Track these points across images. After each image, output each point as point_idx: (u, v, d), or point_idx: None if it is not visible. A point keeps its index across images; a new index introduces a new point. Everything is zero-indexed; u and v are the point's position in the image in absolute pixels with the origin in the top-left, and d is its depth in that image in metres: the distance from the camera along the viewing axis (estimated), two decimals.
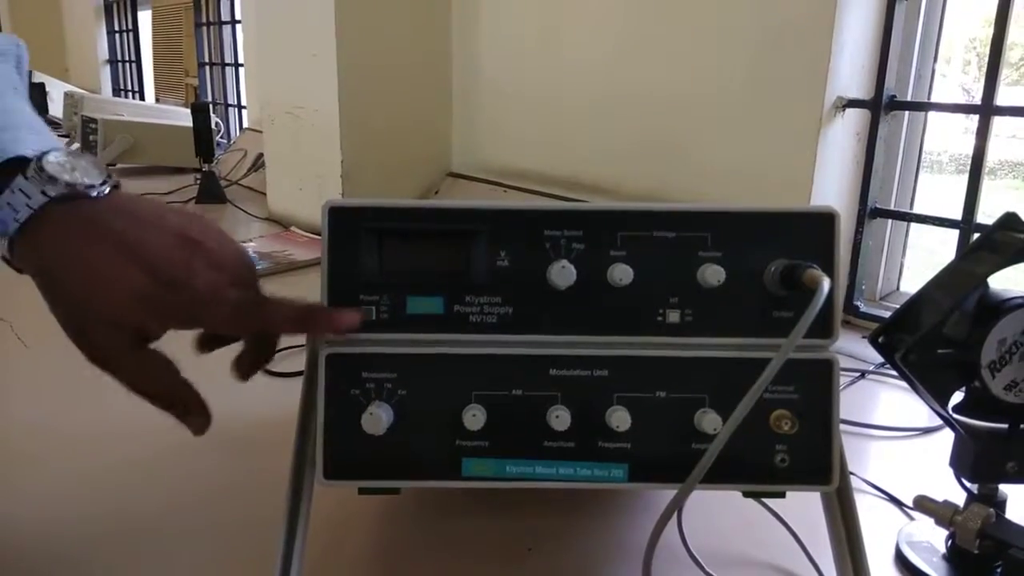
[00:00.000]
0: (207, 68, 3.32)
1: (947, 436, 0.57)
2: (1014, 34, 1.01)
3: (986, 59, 1.02)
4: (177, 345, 0.49)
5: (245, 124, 2.88)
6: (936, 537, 0.60)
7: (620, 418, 0.46)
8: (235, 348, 0.52)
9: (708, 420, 0.46)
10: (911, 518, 0.65)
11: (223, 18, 3.19)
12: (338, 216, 0.47)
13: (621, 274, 0.46)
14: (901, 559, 0.59)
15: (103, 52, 4.26)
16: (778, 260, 0.47)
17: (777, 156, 1.17)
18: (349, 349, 0.47)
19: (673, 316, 0.48)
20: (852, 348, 1.03)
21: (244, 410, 0.81)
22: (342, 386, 0.47)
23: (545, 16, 1.51)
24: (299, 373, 0.50)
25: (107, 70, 4.27)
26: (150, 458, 0.73)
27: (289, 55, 1.69)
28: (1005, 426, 0.54)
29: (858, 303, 1.18)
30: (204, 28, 3.31)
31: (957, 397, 0.55)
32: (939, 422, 0.80)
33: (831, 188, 1.15)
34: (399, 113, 1.66)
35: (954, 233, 1.09)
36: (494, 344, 0.48)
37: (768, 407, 0.47)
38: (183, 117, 2.40)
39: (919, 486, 0.60)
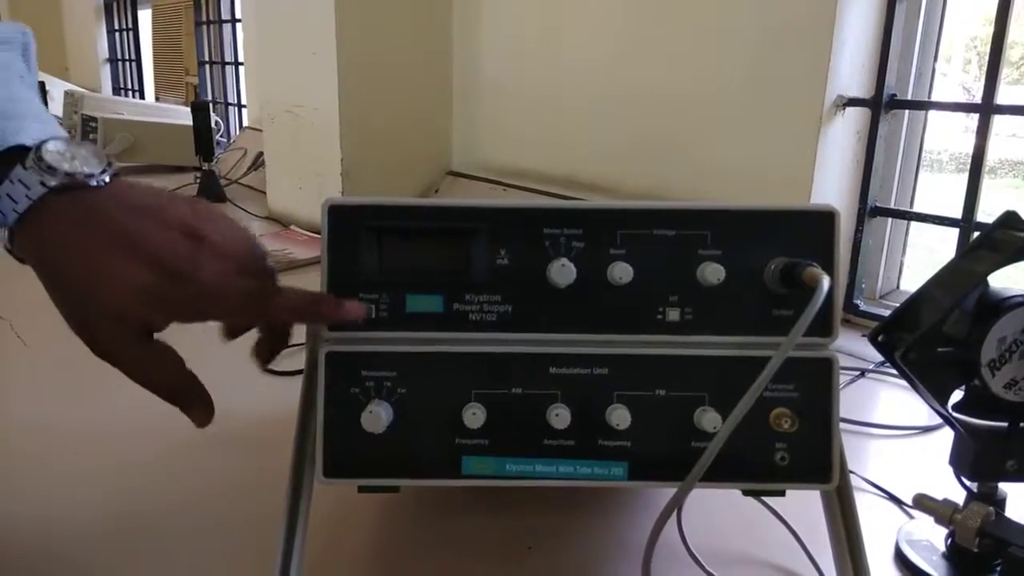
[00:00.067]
0: (207, 67, 3.32)
1: (947, 435, 0.57)
2: (1014, 33, 1.01)
3: (986, 58, 1.02)
4: (180, 338, 0.49)
5: (245, 123, 2.88)
6: (936, 535, 0.60)
7: (620, 416, 0.46)
8: (234, 343, 0.52)
9: (708, 418, 0.46)
10: (911, 516, 0.65)
11: (223, 17, 3.19)
12: (338, 214, 0.47)
13: (621, 272, 0.46)
14: (901, 557, 0.59)
15: (103, 51, 4.26)
16: (778, 258, 0.47)
17: (777, 155, 1.17)
18: (349, 347, 0.47)
19: (673, 314, 0.48)
20: (852, 347, 1.03)
21: (244, 408, 0.81)
22: (342, 384, 0.47)
23: (545, 15, 1.51)
24: (299, 372, 0.50)
25: (107, 69, 4.27)
26: (150, 457, 0.74)
27: (289, 54, 1.69)
28: (1005, 424, 0.54)
29: (858, 302, 1.18)
30: (204, 27, 3.31)
31: (957, 396, 0.55)
32: (939, 421, 0.80)
33: (831, 187, 1.15)
34: (399, 112, 1.66)
35: (954, 232, 1.09)
36: (494, 342, 0.48)
37: (768, 405, 0.47)
38: (183, 116, 2.40)
39: (919, 485, 0.60)
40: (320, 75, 1.58)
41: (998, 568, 0.55)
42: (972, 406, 0.54)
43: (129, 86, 4.21)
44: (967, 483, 0.57)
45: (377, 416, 0.45)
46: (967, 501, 0.56)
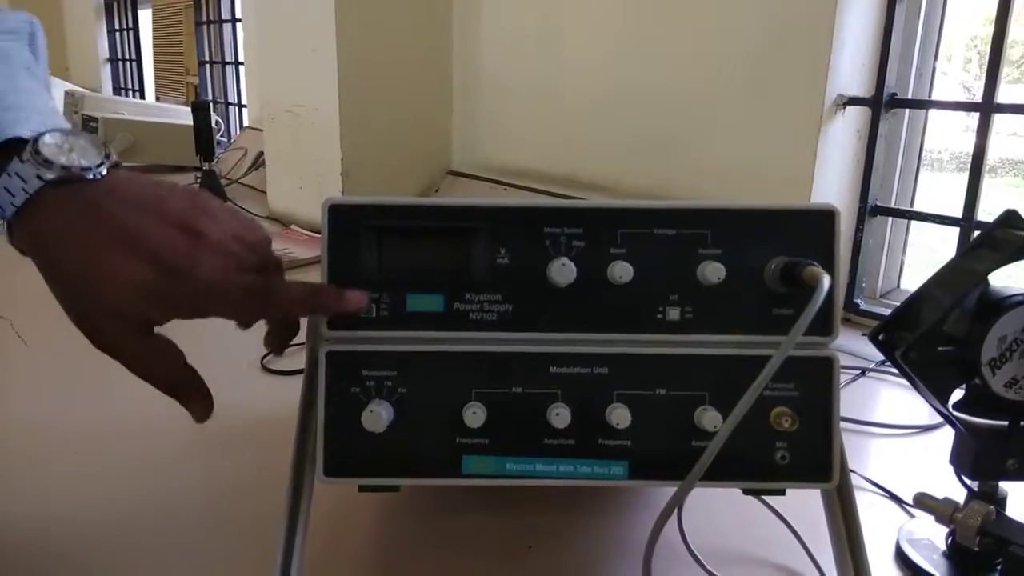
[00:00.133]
0: (207, 66, 3.32)
1: (947, 433, 0.57)
2: (1015, 32, 1.01)
3: (987, 57, 1.02)
4: (182, 337, 0.48)
5: (245, 122, 2.88)
6: (936, 534, 0.60)
7: (620, 415, 0.46)
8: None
9: (708, 417, 0.46)
10: (911, 515, 0.65)
11: (223, 16, 3.19)
12: (338, 214, 0.47)
13: (621, 271, 0.46)
14: (901, 556, 0.59)
15: (103, 51, 4.26)
16: (778, 257, 0.47)
17: (777, 154, 1.17)
18: (349, 347, 0.47)
19: (673, 313, 0.48)
20: (852, 346, 1.03)
21: (245, 408, 0.81)
22: (342, 384, 0.47)
23: (545, 15, 1.51)
24: (299, 371, 0.50)
25: (107, 69, 4.27)
26: (150, 457, 0.74)
27: (289, 53, 1.69)
28: (1005, 423, 0.54)
29: (858, 301, 1.18)
30: (204, 26, 3.31)
31: (957, 395, 0.54)
32: (939, 419, 0.79)
33: (831, 186, 1.15)
34: (399, 111, 1.66)
35: (954, 231, 1.09)
36: (494, 342, 0.48)
37: (768, 404, 0.47)
38: (183, 115, 2.40)
39: (919, 483, 0.60)
40: (320, 75, 1.58)
41: (999, 567, 0.55)
42: (972, 405, 0.54)
43: (129, 86, 4.21)
44: (968, 482, 0.57)
45: (378, 415, 0.45)
46: (968, 500, 0.56)
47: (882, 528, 0.63)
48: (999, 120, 1.03)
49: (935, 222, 1.13)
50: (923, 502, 0.58)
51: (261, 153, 2.06)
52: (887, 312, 0.72)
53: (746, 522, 0.60)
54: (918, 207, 1.19)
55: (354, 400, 0.47)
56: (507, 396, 0.47)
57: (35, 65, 0.53)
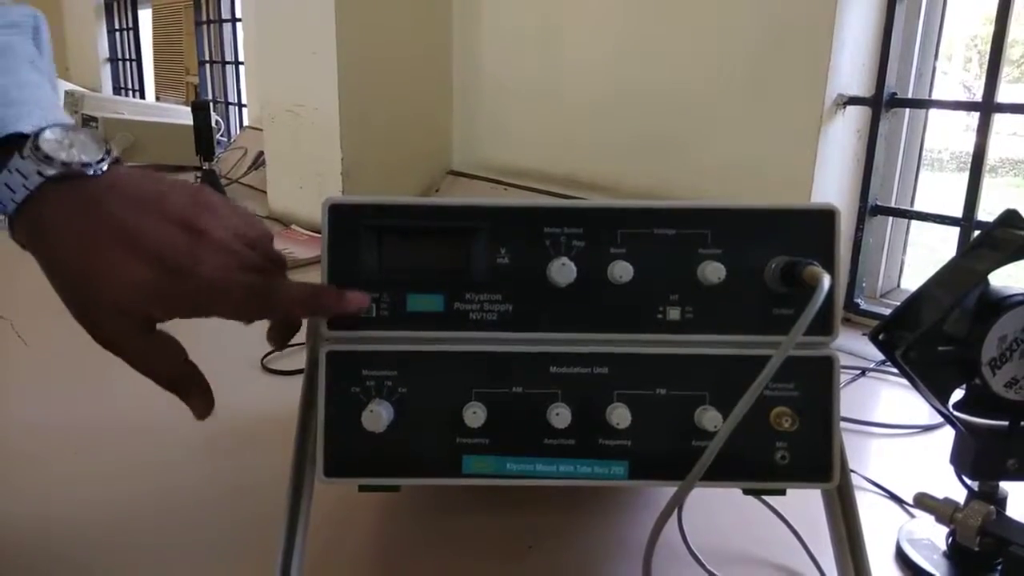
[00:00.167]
0: (207, 66, 3.32)
1: (948, 433, 0.57)
2: (1015, 31, 1.01)
3: (987, 56, 1.02)
4: (183, 333, 0.48)
5: (245, 122, 2.88)
6: (937, 534, 0.60)
7: (620, 415, 0.46)
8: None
9: (708, 417, 0.46)
10: (912, 515, 0.65)
11: (223, 16, 3.19)
12: (338, 213, 0.47)
13: (621, 271, 0.46)
14: (902, 556, 0.59)
15: (103, 50, 4.26)
16: (778, 257, 0.47)
17: (778, 153, 1.17)
18: (349, 347, 0.47)
19: (673, 313, 0.48)
20: (852, 345, 1.03)
21: (245, 408, 0.81)
22: (342, 383, 0.47)
23: (545, 14, 1.51)
24: (300, 371, 0.50)
25: (107, 68, 4.27)
26: (149, 456, 0.74)
27: (289, 53, 1.69)
28: (1006, 423, 0.54)
29: (858, 300, 1.18)
30: (204, 26, 3.31)
31: (958, 394, 0.54)
32: (939, 419, 0.79)
33: (832, 185, 1.15)
34: (399, 111, 1.66)
35: (955, 230, 1.09)
36: (494, 341, 0.48)
37: (768, 404, 0.47)
38: (183, 115, 2.40)
39: (920, 483, 0.60)
40: (320, 74, 1.58)
41: (999, 567, 0.55)
42: (973, 405, 0.54)
43: (129, 86, 4.22)
44: (968, 482, 0.57)
45: (378, 415, 0.45)
46: (968, 500, 0.56)
47: (882, 528, 0.63)
48: (999, 120, 1.03)
49: (935, 222, 1.13)
50: (923, 502, 0.58)
51: (261, 153, 2.06)
52: (887, 312, 0.72)
53: (746, 522, 0.60)
54: (918, 207, 1.19)
55: (354, 400, 0.47)
56: (507, 396, 0.47)
57: (39, 59, 0.53)
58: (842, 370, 0.49)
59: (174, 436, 0.75)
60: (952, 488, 0.57)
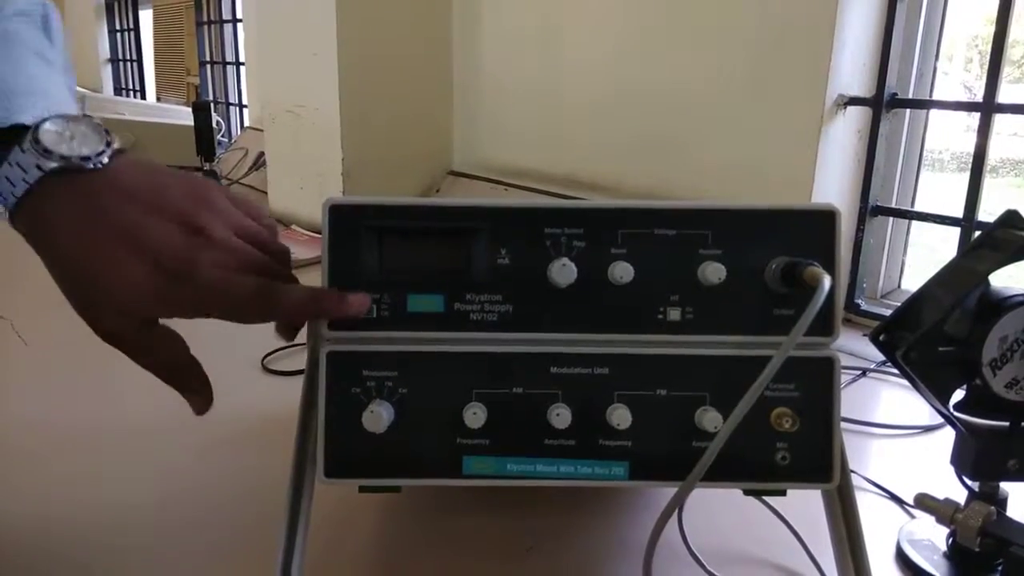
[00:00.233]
0: (208, 67, 3.33)
1: (948, 434, 0.57)
2: (1016, 32, 1.00)
3: (988, 56, 1.02)
4: (183, 332, 0.48)
5: (246, 123, 2.88)
6: (937, 535, 0.60)
7: (621, 416, 0.46)
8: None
9: (709, 418, 0.46)
10: (912, 516, 0.65)
11: (224, 17, 3.20)
12: (338, 214, 0.47)
13: (622, 272, 0.46)
14: (902, 557, 0.59)
15: (104, 51, 4.27)
16: (779, 258, 0.47)
17: (778, 154, 1.17)
18: (350, 347, 0.47)
19: (674, 314, 0.48)
20: (853, 346, 1.03)
21: (245, 408, 0.81)
22: (343, 384, 0.47)
23: (545, 14, 1.51)
24: (300, 371, 0.50)
25: (108, 69, 4.27)
26: (149, 456, 0.74)
27: (290, 54, 1.69)
28: (1006, 424, 0.54)
29: (859, 301, 1.18)
30: (205, 27, 3.31)
31: (958, 395, 0.54)
32: (940, 420, 0.79)
33: (832, 186, 1.15)
34: (400, 111, 1.66)
35: (955, 231, 1.09)
36: (495, 342, 0.48)
37: (769, 405, 0.47)
38: (184, 116, 2.40)
39: (920, 484, 0.60)
40: (321, 75, 1.58)
41: (999, 568, 0.55)
42: (973, 405, 0.54)
43: (130, 86, 4.22)
44: (968, 482, 0.57)
45: (378, 416, 0.45)
46: (968, 500, 0.56)
47: (883, 529, 0.63)
48: (1000, 120, 1.03)
49: (936, 222, 1.13)
50: (924, 503, 0.57)
51: (262, 153, 2.06)
52: (888, 312, 0.72)
53: (747, 523, 0.60)
54: (919, 207, 1.19)
55: (355, 400, 0.47)
56: (508, 396, 0.47)
57: (49, 49, 0.52)
58: (843, 371, 0.49)
59: (174, 436, 0.75)
60: (953, 489, 0.57)
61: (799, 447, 0.47)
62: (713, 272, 0.46)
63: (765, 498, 0.56)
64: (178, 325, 0.47)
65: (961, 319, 0.52)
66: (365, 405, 0.46)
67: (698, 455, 0.42)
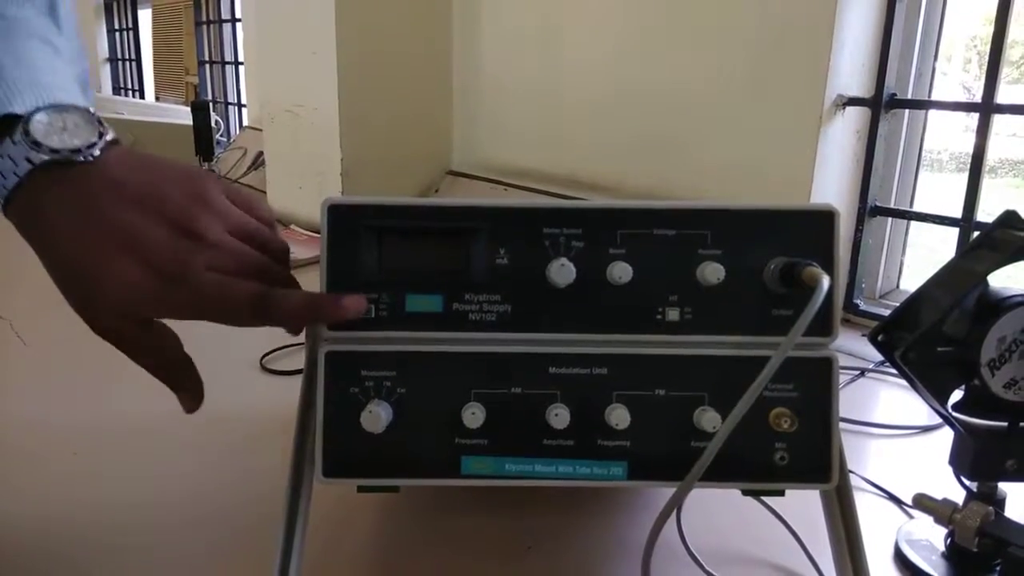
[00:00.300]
0: (207, 66, 3.33)
1: (946, 434, 0.57)
2: (1014, 32, 1.01)
3: (986, 57, 1.02)
4: (181, 331, 0.48)
5: (245, 122, 2.88)
6: (935, 535, 0.60)
7: (619, 416, 0.46)
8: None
9: (707, 418, 0.46)
10: (910, 516, 0.65)
11: (223, 16, 3.20)
12: (337, 214, 0.47)
13: (620, 272, 0.46)
14: (900, 557, 0.59)
15: (103, 50, 4.26)
16: (778, 258, 0.47)
17: (777, 154, 1.17)
18: (348, 347, 0.47)
19: (672, 314, 0.48)
20: (852, 346, 1.03)
21: (244, 408, 0.81)
22: (341, 384, 0.47)
23: (545, 14, 1.51)
24: (299, 371, 0.50)
25: (107, 68, 4.27)
26: (149, 456, 0.74)
27: (289, 53, 1.69)
28: (1004, 424, 0.54)
29: (858, 301, 1.18)
30: (204, 26, 3.31)
31: (956, 395, 0.55)
32: (938, 420, 0.79)
33: (831, 186, 1.15)
34: (399, 111, 1.66)
35: (954, 231, 1.09)
36: (493, 342, 0.48)
37: (767, 405, 0.47)
38: (183, 115, 2.40)
39: (918, 484, 0.60)
40: (320, 74, 1.58)
41: (997, 568, 0.55)
42: (972, 406, 0.54)
43: (129, 86, 4.22)
44: (967, 483, 0.57)
45: (377, 416, 0.45)
46: (966, 501, 0.56)
47: (881, 529, 0.63)
48: (999, 120, 1.03)
49: (935, 222, 1.13)
50: (922, 503, 0.58)
51: (261, 153, 2.06)
52: (886, 313, 0.72)
53: (745, 523, 0.60)
54: (918, 207, 1.19)
55: (353, 400, 0.47)
56: (506, 396, 0.47)
57: (56, 35, 0.51)
58: (841, 371, 0.49)
59: (173, 436, 0.75)
60: (951, 489, 0.57)
61: (798, 447, 0.47)
62: (712, 272, 0.46)
63: (763, 498, 0.56)
64: (176, 324, 0.47)
65: (960, 319, 0.52)
66: (363, 405, 0.46)
67: (697, 455, 0.42)
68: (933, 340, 0.52)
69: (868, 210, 1.16)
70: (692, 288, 0.47)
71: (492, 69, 1.65)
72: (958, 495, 0.57)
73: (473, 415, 0.46)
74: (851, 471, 0.52)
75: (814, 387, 0.47)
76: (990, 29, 1.01)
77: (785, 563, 0.58)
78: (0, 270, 1.04)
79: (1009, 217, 0.54)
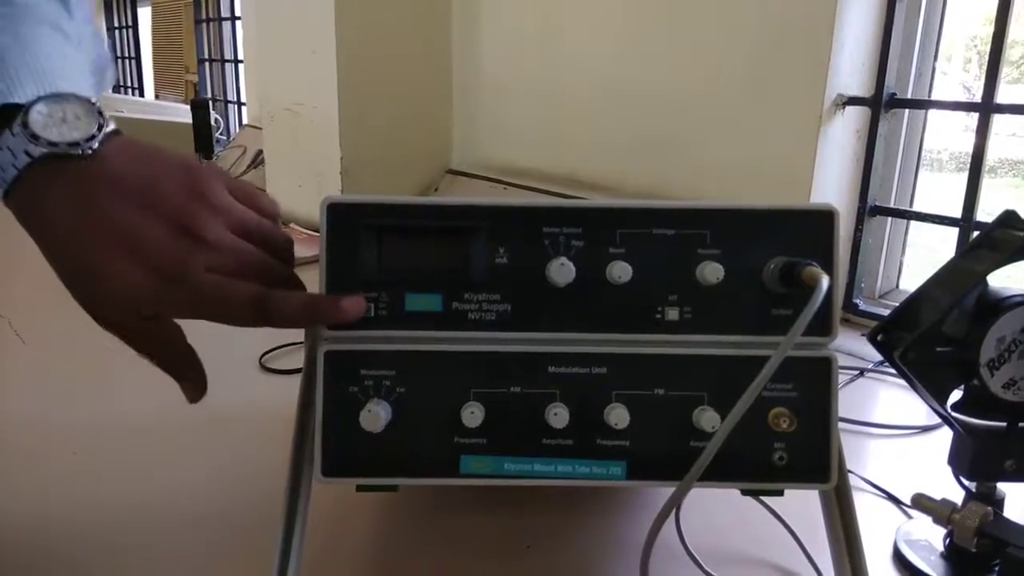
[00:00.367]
0: (207, 64, 3.32)
1: (946, 434, 0.57)
2: (1014, 32, 1.01)
3: (986, 57, 1.02)
4: (181, 323, 0.48)
5: (245, 121, 2.87)
6: (934, 535, 0.60)
7: (619, 416, 0.46)
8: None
9: (706, 418, 0.46)
10: (909, 516, 0.65)
11: (223, 14, 3.19)
12: (337, 212, 0.47)
13: (620, 271, 0.46)
14: (899, 557, 0.59)
15: None
16: (777, 258, 0.47)
17: (777, 153, 1.17)
18: (348, 346, 0.47)
19: (672, 314, 0.48)
20: (851, 346, 1.03)
21: (243, 407, 0.81)
22: (340, 383, 0.47)
23: (545, 14, 1.51)
24: (298, 370, 0.50)
25: None
26: (147, 455, 0.74)
27: (289, 51, 1.69)
28: (1003, 424, 0.54)
29: (857, 301, 1.18)
30: (204, 24, 3.31)
31: (956, 395, 0.55)
32: (938, 420, 0.80)
33: (831, 185, 1.15)
34: (399, 110, 1.66)
35: (954, 231, 1.09)
36: (493, 341, 0.48)
37: (767, 405, 0.47)
38: (183, 114, 2.40)
39: (917, 484, 0.60)
40: (320, 73, 1.58)
41: (996, 568, 0.55)
42: (971, 406, 0.54)
43: (129, 84, 4.22)
44: (965, 483, 0.57)
45: (376, 415, 0.45)
46: (965, 501, 0.56)
47: (880, 529, 0.63)
48: (998, 120, 1.03)
49: (934, 222, 1.13)
50: (921, 503, 0.58)
51: (260, 151, 2.06)
52: (886, 312, 0.72)
53: (744, 523, 0.60)
54: (917, 207, 1.19)
55: (352, 400, 0.47)
56: (505, 396, 0.47)
57: (66, 20, 0.50)
58: (840, 370, 0.49)
59: (171, 435, 0.75)
60: (950, 489, 0.57)
61: (797, 447, 0.47)
62: (711, 272, 0.46)
63: (762, 498, 0.56)
64: (176, 320, 0.47)
65: (959, 319, 0.52)
66: (363, 404, 0.46)
67: (696, 455, 0.42)
68: (932, 340, 0.52)
69: (868, 210, 1.16)
70: (691, 288, 0.47)
71: (492, 68, 1.65)
72: (957, 495, 0.57)
73: (472, 414, 0.46)
74: (850, 471, 0.52)
75: (813, 387, 0.47)
76: (990, 29, 1.01)
77: (784, 563, 0.58)
78: None
79: (1008, 217, 0.54)
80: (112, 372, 0.89)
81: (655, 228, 0.47)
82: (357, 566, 0.58)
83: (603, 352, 0.47)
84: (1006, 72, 1.02)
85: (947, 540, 0.58)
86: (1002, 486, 0.57)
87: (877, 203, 1.17)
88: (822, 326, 0.47)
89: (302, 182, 1.73)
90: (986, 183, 1.06)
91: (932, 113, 1.18)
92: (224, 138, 2.83)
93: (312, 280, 0.48)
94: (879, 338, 0.53)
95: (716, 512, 0.62)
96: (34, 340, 1.02)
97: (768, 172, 1.18)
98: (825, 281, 0.42)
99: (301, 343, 0.50)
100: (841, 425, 0.49)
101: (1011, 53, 1.04)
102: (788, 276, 0.46)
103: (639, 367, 0.47)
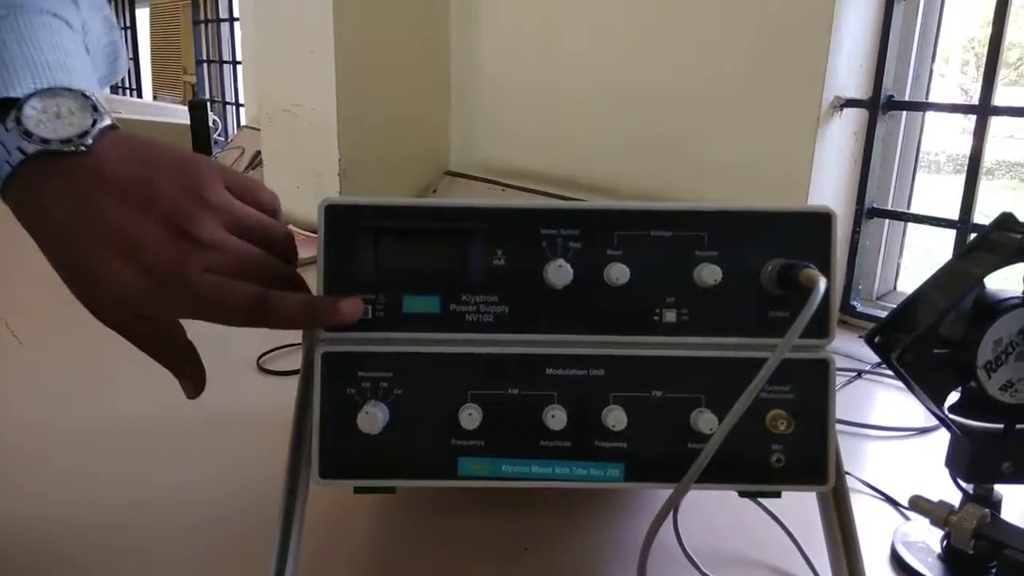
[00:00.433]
0: (205, 65, 3.32)
1: (943, 436, 0.57)
2: (1012, 34, 1.01)
3: (984, 59, 1.02)
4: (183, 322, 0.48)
5: (243, 122, 2.87)
6: (931, 537, 0.60)
7: (616, 417, 0.46)
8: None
9: (704, 420, 0.46)
10: (907, 518, 0.65)
11: (221, 15, 3.19)
12: (334, 214, 0.47)
13: (618, 273, 0.46)
14: (896, 559, 0.59)
15: None
16: (775, 260, 0.47)
17: (775, 155, 1.17)
18: (345, 348, 0.47)
19: (669, 315, 0.48)
20: (848, 348, 1.03)
21: (240, 408, 0.81)
22: (338, 385, 0.47)
23: (545, 14, 1.51)
24: (296, 372, 0.50)
25: None
26: (146, 456, 0.73)
27: (287, 53, 1.69)
28: (1001, 426, 0.54)
29: (855, 303, 1.18)
30: (202, 25, 3.31)
31: (953, 397, 0.55)
32: (935, 422, 0.80)
33: (828, 187, 1.15)
34: (397, 111, 1.66)
35: (951, 233, 1.09)
36: (490, 343, 0.48)
37: (764, 407, 0.47)
38: (181, 115, 2.40)
39: (915, 486, 0.60)
40: (318, 74, 1.58)
41: (993, 570, 0.55)
42: (968, 408, 0.54)
43: (127, 85, 4.21)
44: (963, 485, 0.57)
45: (373, 417, 0.45)
46: (963, 503, 0.56)
47: (877, 531, 0.63)
48: (996, 122, 1.04)
49: (932, 224, 1.13)
50: (918, 505, 0.58)
51: (258, 152, 2.06)
52: (883, 314, 0.72)
53: (741, 524, 0.60)
54: (915, 209, 1.19)
55: (350, 401, 0.47)
56: (503, 398, 0.47)
57: (71, 8, 0.50)
58: (838, 372, 0.49)
59: (170, 436, 0.75)
60: (947, 491, 0.57)
61: (794, 449, 0.47)
62: (709, 274, 0.46)
63: (760, 500, 0.56)
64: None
65: (956, 321, 0.52)
66: (360, 406, 0.46)
67: (693, 457, 0.42)
68: (930, 342, 0.52)
69: (865, 212, 1.17)
70: (689, 289, 0.47)
71: (490, 69, 1.65)
72: (954, 497, 0.57)
73: (470, 416, 0.46)
74: (847, 473, 0.52)
75: (811, 389, 0.47)
76: (988, 31, 1.01)
77: (781, 565, 0.58)
78: None
79: (1006, 219, 0.54)
80: (110, 374, 0.89)
81: (653, 230, 0.47)
82: (355, 568, 0.58)
83: (601, 354, 0.47)
84: (1003, 74, 1.02)
85: (944, 542, 0.58)
86: (999, 488, 0.57)
87: (875, 205, 1.17)
88: (819, 328, 0.47)
89: (300, 183, 1.73)
90: (983, 185, 1.06)
91: (930, 115, 1.18)
92: (222, 139, 2.82)
93: (310, 281, 0.48)
94: (876, 340, 0.53)
95: (714, 514, 0.62)
96: (32, 342, 1.02)
97: (766, 173, 1.18)
98: (822, 283, 0.42)
99: (299, 344, 0.50)
100: (838, 427, 0.49)
101: (1008, 55, 1.04)
102: (785, 278, 0.46)
103: (637, 369, 0.47)
